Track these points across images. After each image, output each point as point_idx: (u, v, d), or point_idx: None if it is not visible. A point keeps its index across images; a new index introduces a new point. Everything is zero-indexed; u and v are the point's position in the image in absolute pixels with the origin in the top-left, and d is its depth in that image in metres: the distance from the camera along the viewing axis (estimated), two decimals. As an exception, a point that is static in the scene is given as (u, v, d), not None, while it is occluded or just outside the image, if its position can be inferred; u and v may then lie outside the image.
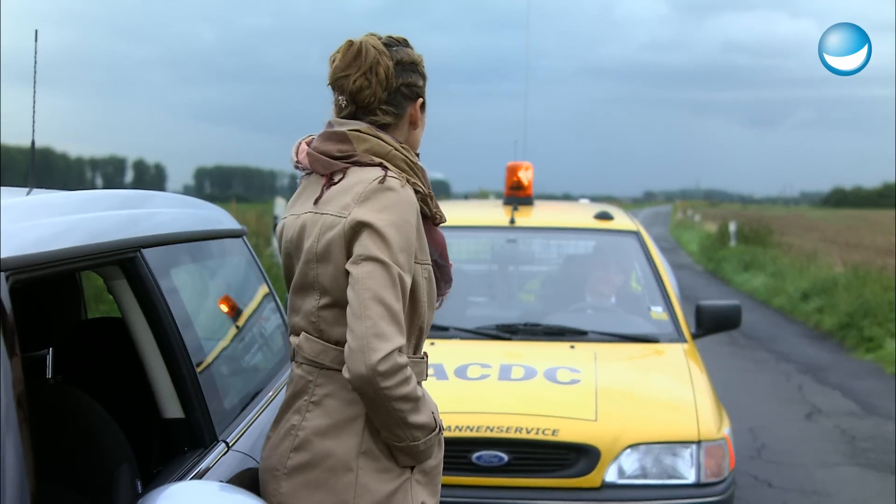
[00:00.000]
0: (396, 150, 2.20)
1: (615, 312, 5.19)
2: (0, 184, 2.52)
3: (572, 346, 4.62)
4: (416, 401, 2.10)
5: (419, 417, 2.12)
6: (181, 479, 2.12)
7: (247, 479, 2.30)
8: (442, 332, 4.66)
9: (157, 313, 2.28)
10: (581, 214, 5.80)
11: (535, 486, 3.86)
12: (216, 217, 3.03)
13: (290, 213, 2.28)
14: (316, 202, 2.19)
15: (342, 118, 2.25)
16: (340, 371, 2.10)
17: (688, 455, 3.88)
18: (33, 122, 2.62)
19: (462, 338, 4.75)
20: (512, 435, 3.87)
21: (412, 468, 2.20)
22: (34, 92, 2.57)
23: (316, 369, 2.19)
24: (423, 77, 2.30)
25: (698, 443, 3.88)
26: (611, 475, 3.83)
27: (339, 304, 2.12)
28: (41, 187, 2.52)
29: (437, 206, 2.27)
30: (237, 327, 2.98)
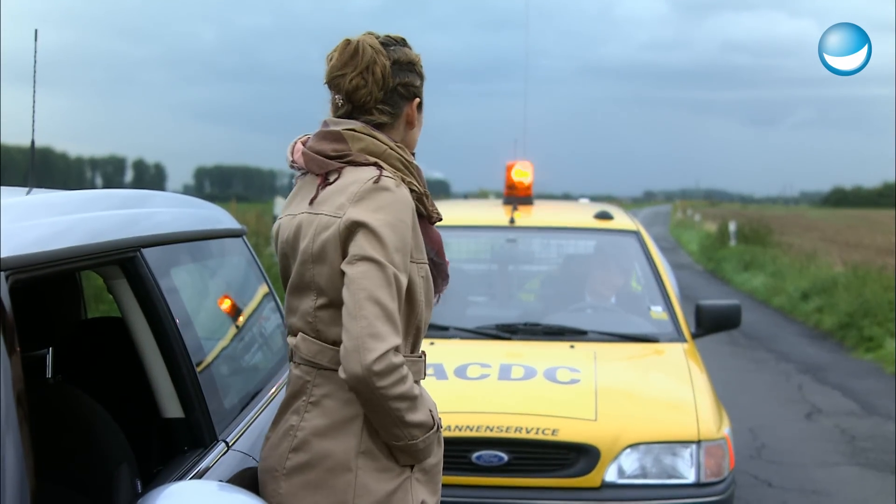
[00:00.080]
0: (392, 149, 2.20)
1: (615, 312, 5.19)
2: (0, 183, 2.52)
3: (572, 346, 4.62)
4: (412, 399, 2.10)
5: (416, 416, 2.12)
6: (181, 478, 2.12)
7: (246, 479, 2.30)
8: (442, 331, 4.66)
9: (157, 313, 2.28)
10: (581, 214, 5.80)
11: (535, 485, 3.86)
12: (216, 217, 3.03)
13: (286, 214, 2.28)
14: (311, 202, 2.19)
15: (338, 117, 2.25)
16: (338, 371, 2.11)
17: (688, 455, 3.88)
18: (33, 121, 2.62)
19: (462, 337, 4.75)
20: (512, 435, 3.87)
21: (412, 467, 2.20)
22: (34, 92, 2.57)
23: (314, 370, 2.19)
24: (421, 77, 2.30)
25: (698, 442, 3.88)
26: (611, 475, 3.83)
27: (336, 305, 2.12)
28: (41, 187, 2.52)
29: (433, 205, 2.27)
30: (237, 327, 2.98)
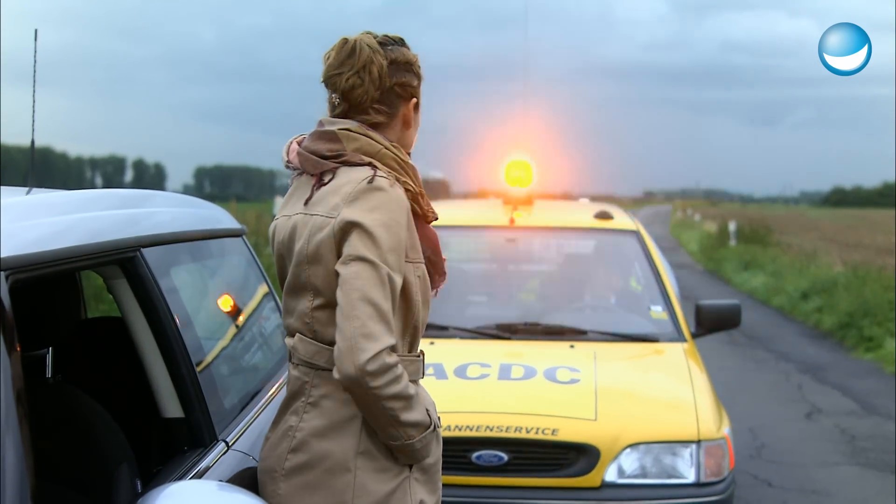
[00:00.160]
0: (387, 148, 2.19)
1: (615, 312, 5.19)
2: (0, 183, 2.52)
3: (572, 346, 4.62)
4: (407, 399, 2.09)
5: (412, 415, 2.12)
6: (181, 478, 2.12)
7: (246, 479, 2.30)
8: (442, 331, 4.67)
9: (157, 313, 2.28)
10: (581, 214, 5.80)
11: (535, 485, 3.86)
12: (216, 216, 3.03)
13: (282, 214, 2.28)
14: (306, 203, 2.18)
15: (335, 116, 2.25)
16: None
17: (687, 454, 3.88)
18: (33, 121, 2.63)
19: (462, 337, 4.75)
20: (512, 434, 3.87)
21: (411, 467, 2.20)
22: (34, 91, 2.57)
23: (311, 370, 2.19)
24: (418, 77, 2.29)
25: (698, 442, 3.88)
26: (610, 475, 3.83)
27: (332, 305, 2.11)
28: (41, 187, 2.52)
29: (429, 204, 2.26)
30: (237, 327, 2.98)
